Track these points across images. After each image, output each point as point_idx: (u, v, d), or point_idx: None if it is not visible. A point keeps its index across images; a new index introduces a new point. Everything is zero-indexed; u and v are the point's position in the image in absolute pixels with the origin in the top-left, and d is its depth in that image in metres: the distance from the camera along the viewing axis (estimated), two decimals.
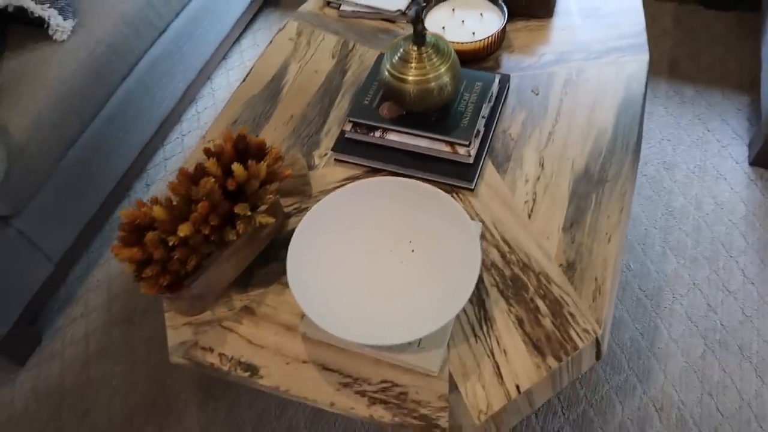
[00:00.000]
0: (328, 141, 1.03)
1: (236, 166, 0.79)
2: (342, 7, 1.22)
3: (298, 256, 0.80)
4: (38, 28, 1.25)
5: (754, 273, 1.18)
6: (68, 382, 1.25)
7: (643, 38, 1.08)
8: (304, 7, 1.27)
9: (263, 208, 0.83)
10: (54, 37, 1.23)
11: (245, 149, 0.84)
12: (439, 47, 0.88)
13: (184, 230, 0.75)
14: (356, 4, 1.21)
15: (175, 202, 0.79)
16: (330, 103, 1.09)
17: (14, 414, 1.22)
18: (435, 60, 0.87)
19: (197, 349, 0.84)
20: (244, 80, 1.15)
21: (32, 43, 1.23)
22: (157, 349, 1.26)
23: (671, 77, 1.49)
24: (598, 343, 0.79)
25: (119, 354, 1.26)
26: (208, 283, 0.83)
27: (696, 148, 1.36)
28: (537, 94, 1.03)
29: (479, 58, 1.08)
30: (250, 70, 1.15)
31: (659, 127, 1.41)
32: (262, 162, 0.82)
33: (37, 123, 1.15)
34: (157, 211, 0.77)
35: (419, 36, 0.86)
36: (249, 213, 0.80)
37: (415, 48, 0.87)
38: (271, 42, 1.21)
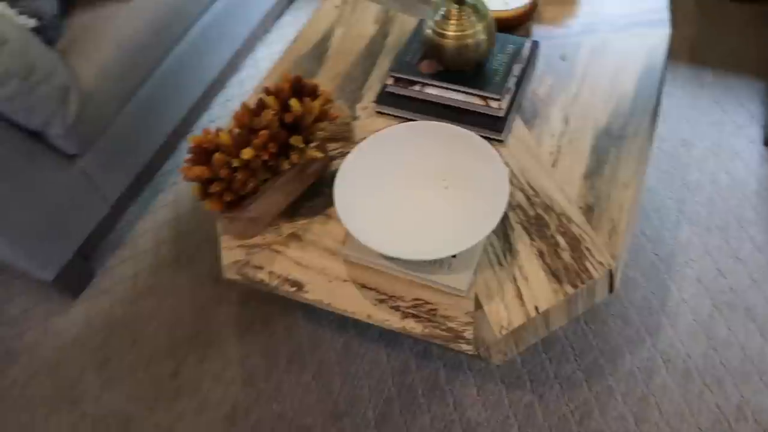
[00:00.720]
0: (369, 95, 1.12)
1: (293, 101, 0.89)
2: None
3: (344, 184, 0.89)
4: None
5: (763, 242, 1.25)
6: (117, 315, 1.35)
7: (666, 15, 1.16)
8: None
9: (314, 143, 0.93)
10: None
11: (300, 90, 0.93)
12: (477, 8, 0.97)
13: (246, 153, 0.85)
14: None
15: (234, 131, 0.89)
16: (372, 63, 1.18)
17: (66, 343, 1.33)
18: (473, 18, 0.96)
19: (249, 267, 0.93)
20: (293, 42, 1.25)
21: (102, 1, 1.35)
22: (201, 289, 1.36)
23: (691, 62, 1.56)
24: (611, 276, 0.87)
25: (165, 292, 1.37)
26: (262, 208, 0.92)
27: (713, 128, 1.43)
28: (564, 60, 1.11)
29: (512, 26, 1.16)
30: (299, 33, 1.25)
31: (677, 107, 1.48)
32: (315, 101, 0.92)
33: (104, 73, 1.26)
34: (223, 137, 0.87)
35: None
36: (302, 145, 0.90)
37: (456, 7, 0.96)
38: (318, 9, 1.31)
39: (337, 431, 1.14)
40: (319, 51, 1.22)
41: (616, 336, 1.18)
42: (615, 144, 0.98)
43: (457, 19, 0.96)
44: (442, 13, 0.97)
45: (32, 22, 1.22)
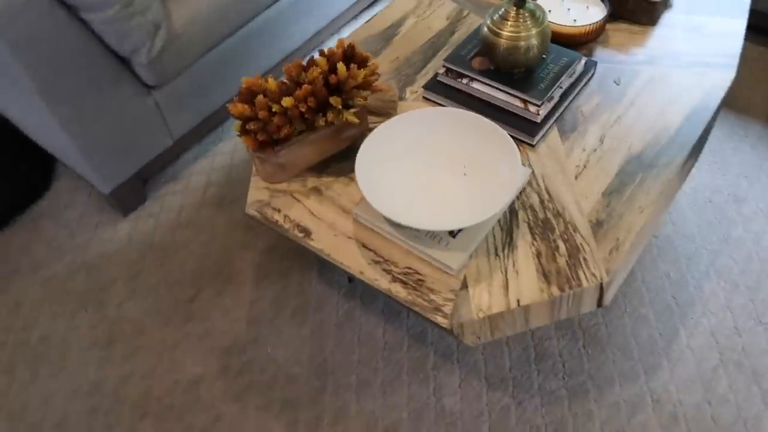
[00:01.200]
0: (421, 82, 1.17)
1: (340, 65, 0.96)
2: None
3: (369, 150, 0.95)
4: None
5: None
6: (156, 238, 1.47)
7: (735, 60, 1.14)
8: None
9: (354, 109, 0.99)
10: None
11: (352, 57, 1.00)
12: (535, 14, 1.00)
13: (286, 102, 0.93)
14: None
15: (285, 83, 0.97)
16: (433, 54, 1.23)
17: (108, 251, 1.46)
18: (529, 23, 1.00)
19: (268, 208, 1.01)
20: (367, 22, 1.32)
21: None
22: (233, 232, 1.45)
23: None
24: (601, 290, 0.88)
25: (202, 228, 1.48)
26: (290, 156, 1.00)
27: None
28: (618, 84, 1.12)
29: (576, 43, 1.18)
30: (374, 15, 1.33)
31: (741, 163, 1.44)
32: (361, 69, 0.98)
33: (194, 19, 1.38)
34: (270, 83, 0.95)
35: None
36: (339, 107, 0.97)
37: (515, 9, 1.00)
38: None
39: (320, 386, 1.20)
40: (388, 35, 1.29)
41: (611, 365, 1.17)
42: (643, 171, 0.99)
43: (514, 21, 1.00)
44: (501, 13, 1.01)
45: None
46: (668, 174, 0.98)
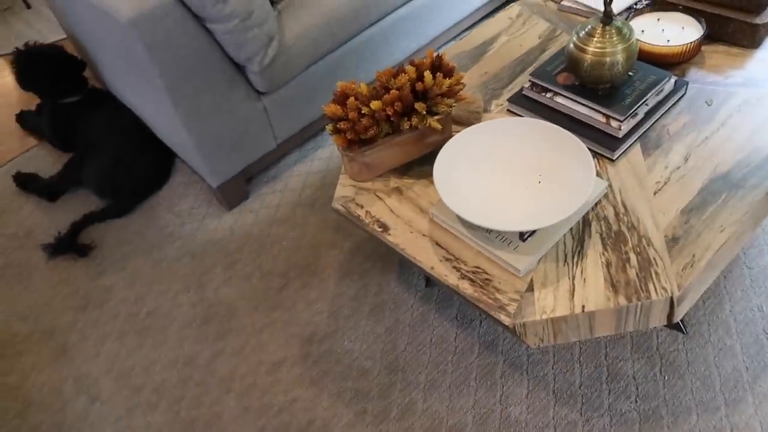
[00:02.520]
0: (507, 95, 1.22)
1: (427, 74, 1.02)
2: (563, 2, 1.40)
3: (448, 154, 1.01)
4: None
5: None
6: (255, 231, 1.61)
7: None
8: None
9: (437, 117, 1.06)
10: None
11: (439, 67, 1.07)
12: (622, 31, 1.02)
13: (375, 105, 1.01)
14: (576, 2, 1.38)
15: (375, 88, 1.05)
16: (521, 70, 1.27)
17: (212, 240, 1.61)
18: (615, 39, 1.01)
19: (353, 203, 1.09)
20: (458, 39, 1.39)
21: None
22: (323, 232, 1.56)
23: None
24: (672, 305, 0.87)
25: (296, 225, 1.59)
26: (376, 156, 1.07)
27: None
28: (709, 105, 1.10)
29: (669, 63, 1.18)
30: (467, 32, 1.39)
31: None
32: (447, 78, 1.05)
33: (305, 33, 1.51)
34: (362, 87, 1.03)
35: (607, 15, 1.01)
36: (424, 113, 1.03)
37: (601, 25, 1.02)
38: (492, 16, 1.43)
39: (390, 382, 1.25)
40: (480, 51, 1.34)
41: (689, 394, 1.12)
42: (729, 190, 0.96)
43: (600, 37, 1.02)
44: (588, 29, 1.04)
45: None
46: (756, 195, 0.95)
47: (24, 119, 2.14)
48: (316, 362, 1.31)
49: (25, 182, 1.88)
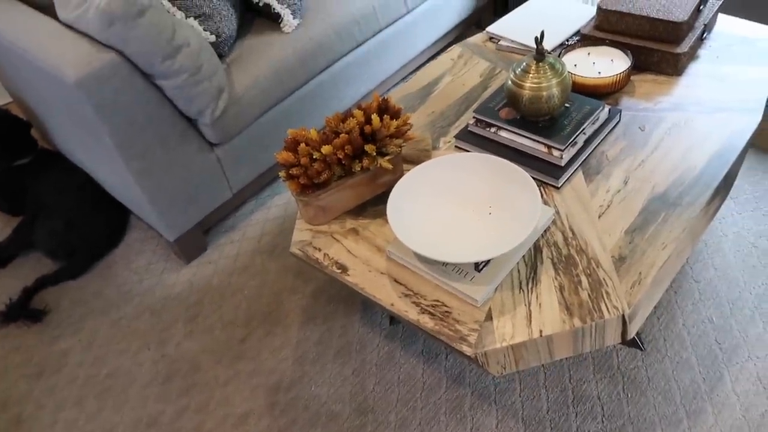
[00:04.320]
0: (453, 133, 1.26)
1: (374, 117, 1.06)
2: (500, 42, 1.47)
3: (400, 192, 1.03)
4: (273, 21, 1.68)
5: None
6: (214, 283, 1.59)
7: (761, 105, 1.17)
8: (471, 39, 1.54)
9: (387, 157, 1.09)
10: (283, 29, 1.65)
11: (386, 109, 1.11)
12: (555, 66, 1.08)
13: (325, 150, 1.03)
14: (512, 41, 1.45)
15: (325, 133, 1.08)
16: (466, 108, 1.32)
17: (171, 295, 1.59)
18: (549, 74, 1.07)
19: (310, 247, 1.10)
20: (405, 81, 1.44)
21: (266, 30, 1.66)
22: (283, 278, 1.55)
23: None
24: (624, 323, 0.90)
25: (256, 273, 1.58)
26: (330, 199, 1.09)
27: None
28: (642, 130, 1.17)
29: (601, 94, 1.25)
30: (413, 74, 1.44)
31: None
32: (394, 120, 1.08)
33: (254, 84, 1.54)
34: (312, 133, 1.06)
35: (539, 53, 1.07)
36: (374, 154, 1.06)
37: (535, 62, 1.08)
38: (435, 58, 1.49)
39: (360, 423, 1.23)
40: (426, 91, 1.39)
41: (652, 410, 1.15)
42: (667, 209, 1.02)
43: (535, 73, 1.08)
44: (523, 66, 1.10)
45: (212, 38, 1.55)
46: (692, 212, 1.00)
47: None
48: (283, 411, 1.29)
49: None
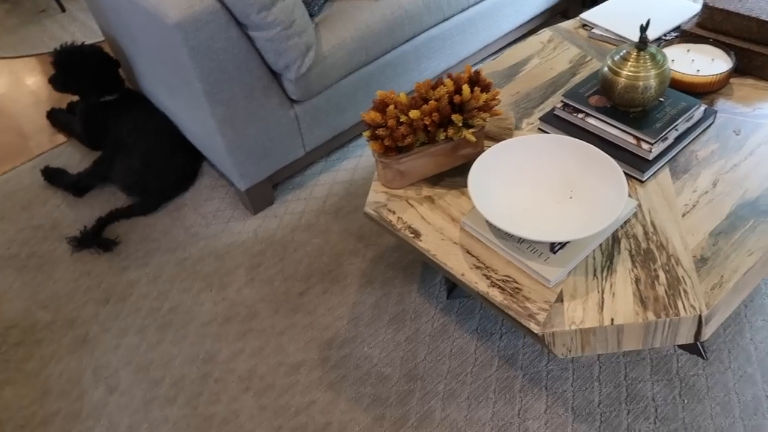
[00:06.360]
0: (538, 115, 1.25)
1: (465, 88, 1.06)
2: (593, 30, 1.44)
3: (482, 166, 1.03)
4: None
5: None
6: (278, 236, 1.63)
7: None
8: (562, 24, 1.51)
9: (472, 129, 1.09)
10: None
11: (476, 82, 1.10)
12: (656, 57, 1.05)
13: (413, 114, 1.04)
14: (607, 30, 1.42)
15: (414, 98, 1.09)
16: (552, 92, 1.31)
17: (236, 242, 1.64)
18: (649, 65, 1.05)
19: (385, 209, 1.12)
20: (493, 58, 1.42)
21: None
22: (345, 239, 1.58)
23: None
24: (700, 324, 0.89)
25: (319, 232, 1.61)
26: (410, 164, 1.10)
27: None
28: (737, 134, 1.13)
29: (697, 92, 1.21)
30: (493, 56, 1.43)
31: None
32: (483, 93, 1.08)
33: (340, 45, 1.56)
34: (402, 97, 1.07)
35: (642, 41, 1.04)
36: (460, 125, 1.06)
37: (636, 51, 1.05)
38: (518, 42, 1.47)
39: (409, 389, 1.26)
40: (512, 71, 1.38)
41: (708, 419, 1.13)
42: (757, 216, 0.98)
43: (634, 62, 1.06)
44: (622, 54, 1.07)
45: None
46: None
47: (54, 117, 2.19)
48: (334, 366, 1.32)
49: (53, 176, 1.92)
